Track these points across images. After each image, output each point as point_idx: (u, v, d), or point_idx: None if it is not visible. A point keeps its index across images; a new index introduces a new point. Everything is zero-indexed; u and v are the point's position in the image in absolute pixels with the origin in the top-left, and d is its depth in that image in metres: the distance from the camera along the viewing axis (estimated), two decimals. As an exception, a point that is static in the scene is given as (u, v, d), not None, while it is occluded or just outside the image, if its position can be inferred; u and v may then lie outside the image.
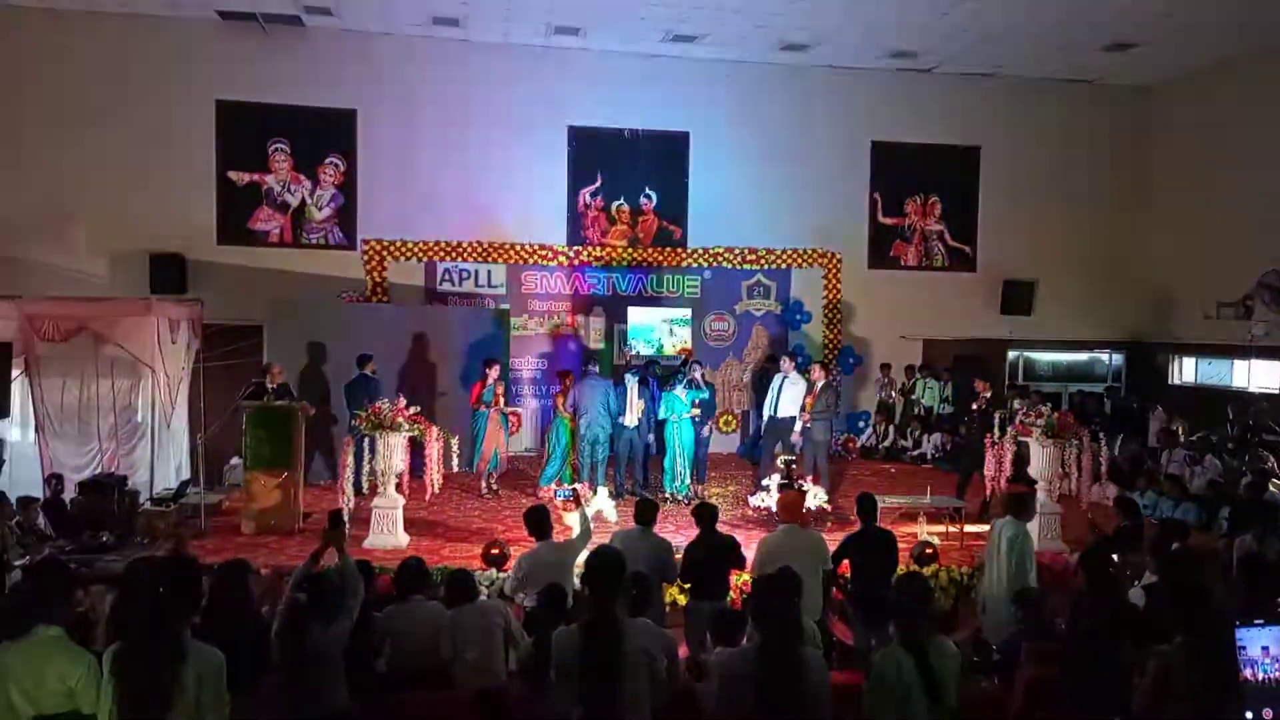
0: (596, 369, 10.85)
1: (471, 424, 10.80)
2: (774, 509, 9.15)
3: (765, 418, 10.85)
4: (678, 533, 8.50)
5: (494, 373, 10.81)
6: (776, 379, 10.78)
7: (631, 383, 10.44)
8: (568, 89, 13.95)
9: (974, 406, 10.33)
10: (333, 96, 13.44)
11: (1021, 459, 8.99)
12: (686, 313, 13.95)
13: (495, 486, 10.81)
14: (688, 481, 10.59)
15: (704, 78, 14.25)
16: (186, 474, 10.46)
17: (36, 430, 9.68)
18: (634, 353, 13.03)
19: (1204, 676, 3.85)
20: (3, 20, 12.39)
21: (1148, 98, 15.59)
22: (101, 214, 12.76)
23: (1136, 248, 15.63)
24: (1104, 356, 15.88)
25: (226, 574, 5.15)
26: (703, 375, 10.91)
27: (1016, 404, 10.63)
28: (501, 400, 10.85)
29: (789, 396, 10.48)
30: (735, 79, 14.36)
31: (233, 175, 13.28)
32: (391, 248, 13.61)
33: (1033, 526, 8.64)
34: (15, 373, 9.35)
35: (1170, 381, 15.16)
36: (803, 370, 10.91)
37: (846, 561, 6.61)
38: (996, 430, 9.15)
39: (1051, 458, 8.64)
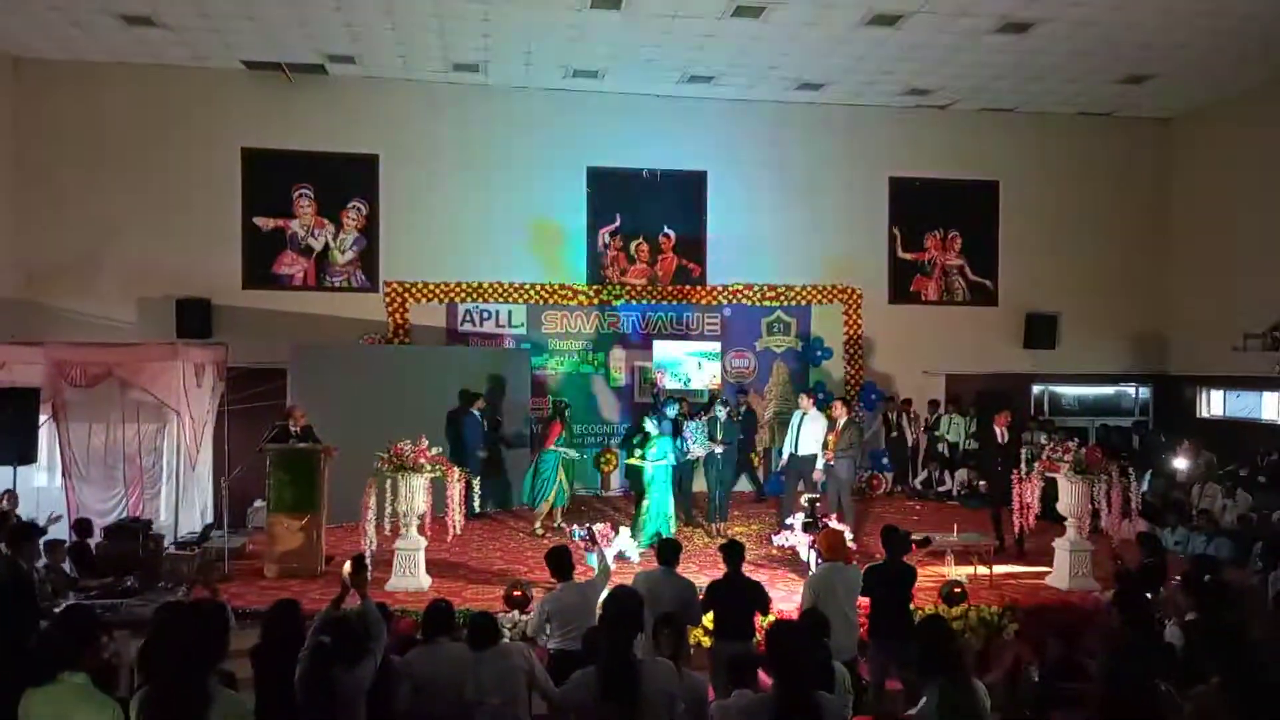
0: (670, 410, 10.75)
1: (539, 462, 10.89)
2: (799, 548, 9.07)
3: (786, 455, 10.74)
4: (700, 572, 8.43)
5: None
6: (796, 416, 10.64)
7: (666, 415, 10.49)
8: (586, 130, 14.10)
9: (998, 440, 10.18)
10: (356, 142, 13.66)
11: (1050, 495, 8.86)
12: (715, 347, 13.93)
13: (560, 523, 10.74)
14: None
15: (721, 117, 14.37)
16: (211, 517, 10.49)
17: (63, 474, 9.77)
18: (661, 386, 13.01)
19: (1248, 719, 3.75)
20: (34, 72, 12.71)
21: (1168, 129, 15.57)
22: (129, 260, 12.97)
23: (1160, 280, 15.53)
24: (1130, 390, 15.73)
25: (277, 615, 5.11)
26: (729, 413, 10.86)
27: (1042, 439, 10.47)
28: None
29: (809, 434, 10.37)
30: (752, 118, 14.47)
31: (258, 221, 13.49)
32: (413, 289, 13.73)
33: (1062, 564, 8.59)
34: (43, 418, 9.48)
35: (1199, 414, 14.96)
36: (823, 407, 10.83)
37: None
38: (1023, 466, 9.01)
39: (1080, 494, 8.49)
